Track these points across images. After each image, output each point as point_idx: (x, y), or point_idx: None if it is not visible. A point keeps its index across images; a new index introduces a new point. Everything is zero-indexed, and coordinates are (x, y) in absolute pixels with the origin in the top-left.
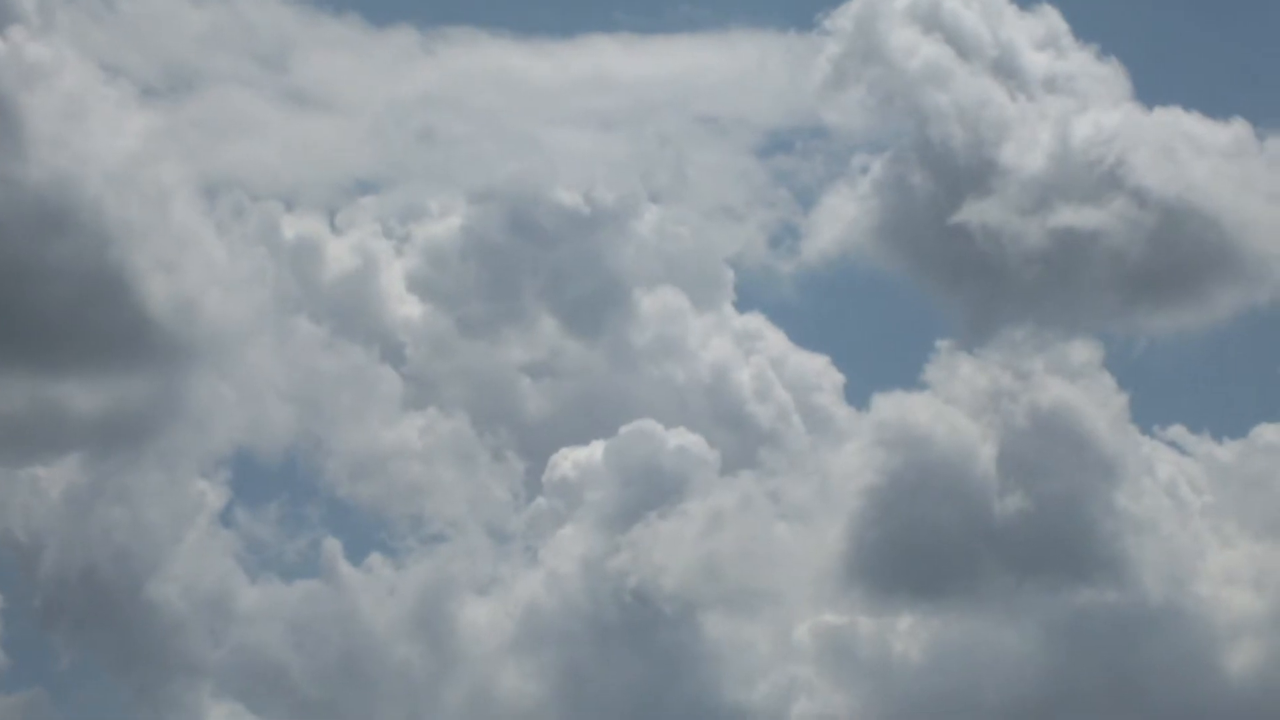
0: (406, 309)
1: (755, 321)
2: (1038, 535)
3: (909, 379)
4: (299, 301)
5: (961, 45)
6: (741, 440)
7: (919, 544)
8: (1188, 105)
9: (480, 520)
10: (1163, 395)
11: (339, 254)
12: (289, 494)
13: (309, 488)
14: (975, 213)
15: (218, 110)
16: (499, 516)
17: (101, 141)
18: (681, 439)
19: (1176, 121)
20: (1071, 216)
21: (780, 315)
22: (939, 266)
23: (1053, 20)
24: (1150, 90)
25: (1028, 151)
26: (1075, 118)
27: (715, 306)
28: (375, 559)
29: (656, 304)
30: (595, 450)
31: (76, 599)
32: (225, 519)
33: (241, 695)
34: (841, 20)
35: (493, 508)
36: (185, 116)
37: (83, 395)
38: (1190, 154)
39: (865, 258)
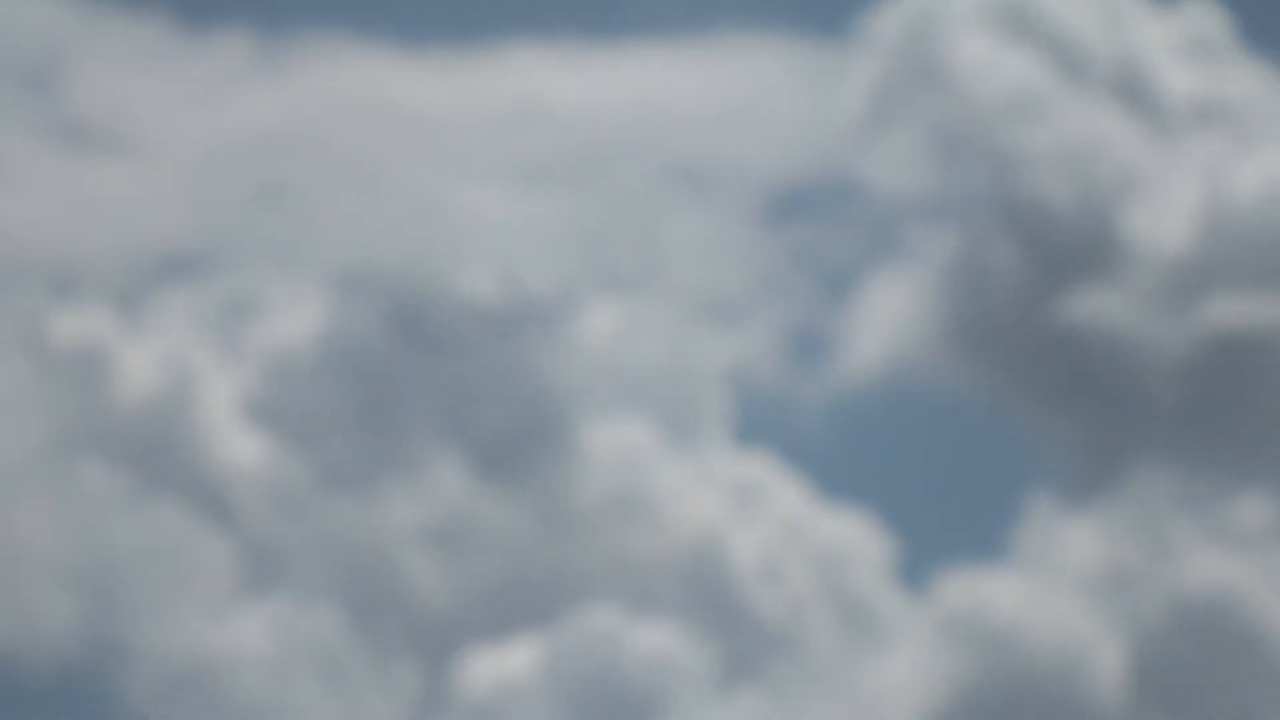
0: (241, 448)
1: (761, 465)
2: None
3: (990, 550)
4: (79, 437)
5: (1067, 58)
6: (740, 641)
7: None
8: None
9: None
10: None
11: (139, 367)
12: None
13: (99, 712)
14: (1089, 308)
15: None
16: None
17: None
18: (655, 636)
19: None
20: (1235, 312)
21: (800, 456)
22: (1034, 387)
23: (1205, 20)
24: None
25: (1169, 216)
26: (1241, 164)
27: (701, 444)
28: None
29: (612, 440)
30: (523, 653)
31: None
32: None
33: None
34: (886, 24)
35: None
36: None
37: None
38: None
39: (925, 374)
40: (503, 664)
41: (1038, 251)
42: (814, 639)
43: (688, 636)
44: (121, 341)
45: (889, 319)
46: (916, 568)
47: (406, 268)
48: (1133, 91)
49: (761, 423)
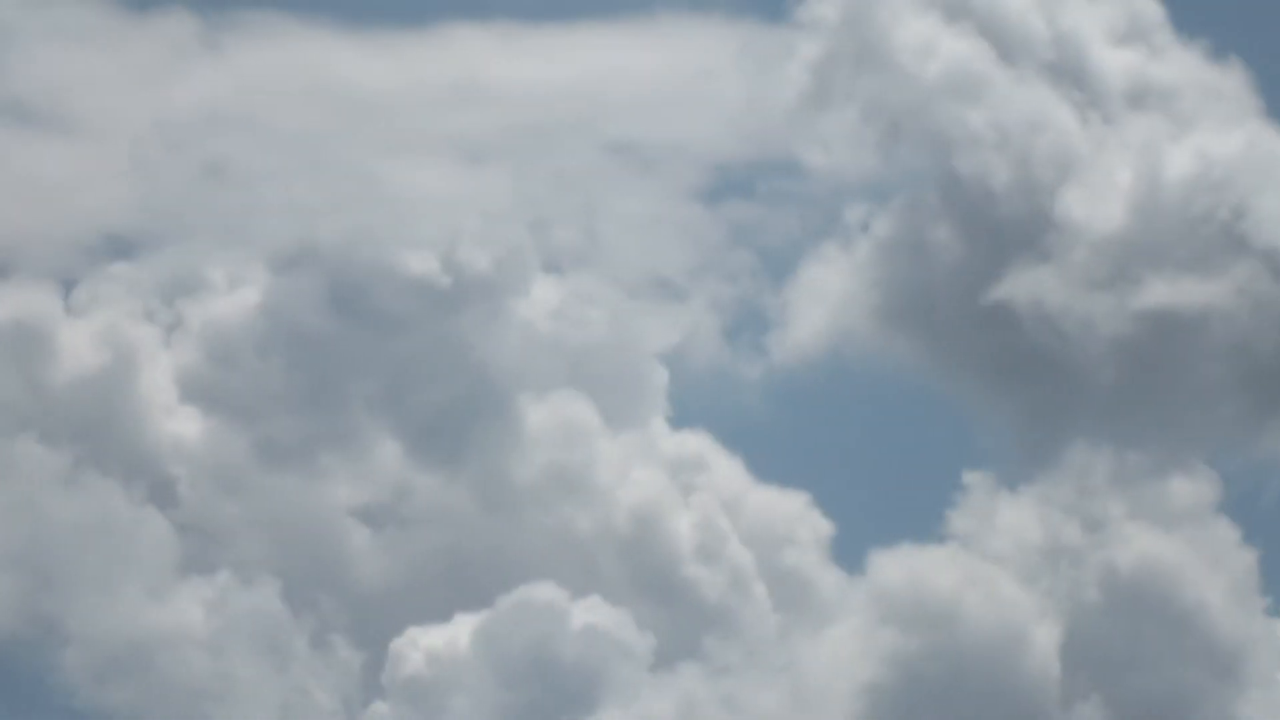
0: (180, 426)
1: (699, 443)
2: None
3: (926, 528)
4: (20, 416)
5: (1003, 41)
6: (678, 619)
7: None
8: None
9: None
10: None
11: (79, 344)
12: (8, 702)
13: (37, 692)
14: (1025, 287)
15: None
16: None
17: None
18: (594, 614)
19: None
20: (1168, 292)
21: (737, 435)
22: (972, 365)
23: (1140, 4)
24: None
25: (1103, 197)
26: (1174, 146)
27: (640, 422)
28: None
29: (552, 418)
30: (461, 631)
31: None
32: None
33: None
34: (826, 6)
35: (312, 717)
36: None
37: None
38: None
39: (862, 353)
40: (442, 640)
41: (975, 231)
42: (752, 617)
43: (626, 614)
44: (62, 319)
45: (828, 297)
46: (854, 546)
47: (347, 245)
48: (1069, 74)
49: (701, 401)
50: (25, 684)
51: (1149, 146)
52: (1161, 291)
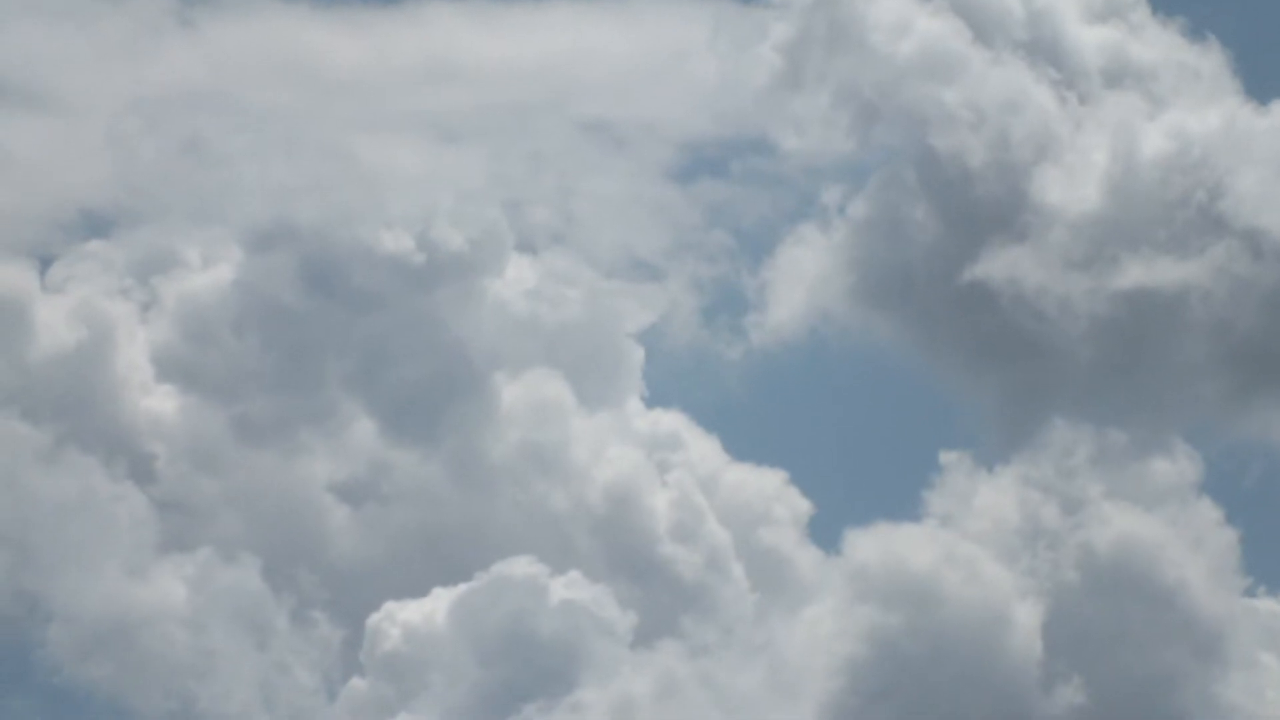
0: (157, 403)
1: (675, 422)
2: None
3: (904, 508)
4: (1, 393)
5: (978, 20)
6: (656, 596)
7: None
8: None
9: (275, 713)
10: None
11: (55, 321)
12: None
13: (19, 668)
14: (1002, 266)
15: None
16: (303, 707)
17: None
18: (574, 590)
19: None
20: (1146, 271)
21: (713, 414)
22: (950, 345)
23: None
24: (1266, 83)
25: (1080, 176)
26: (1151, 125)
27: (615, 401)
28: None
29: (527, 396)
30: (439, 606)
31: None
32: None
33: None
34: None
35: (292, 693)
36: None
37: None
38: None
39: (840, 333)
40: (420, 615)
41: (952, 211)
42: (729, 596)
43: (606, 591)
44: (39, 296)
45: (806, 278)
46: (832, 525)
47: (323, 223)
48: (1045, 53)
49: (678, 380)
50: (7, 660)
51: (1126, 126)
52: (1139, 271)
